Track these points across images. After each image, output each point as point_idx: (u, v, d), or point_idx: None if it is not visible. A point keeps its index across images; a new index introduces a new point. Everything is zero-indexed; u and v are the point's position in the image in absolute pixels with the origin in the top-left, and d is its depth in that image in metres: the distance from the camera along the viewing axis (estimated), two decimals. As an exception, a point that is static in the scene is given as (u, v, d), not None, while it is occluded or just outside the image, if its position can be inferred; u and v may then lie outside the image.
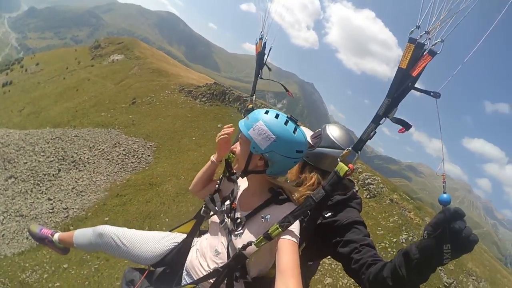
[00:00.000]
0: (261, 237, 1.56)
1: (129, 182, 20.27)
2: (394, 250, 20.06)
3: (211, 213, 1.99)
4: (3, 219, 16.43)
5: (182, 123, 28.45)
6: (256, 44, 2.49)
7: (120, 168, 21.44)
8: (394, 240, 21.04)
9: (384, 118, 1.40)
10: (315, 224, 1.71)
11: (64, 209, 17.64)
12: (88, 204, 18.28)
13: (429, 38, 1.28)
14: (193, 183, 2.26)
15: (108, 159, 22.07)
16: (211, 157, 2.18)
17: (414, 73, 1.31)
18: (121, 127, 26.90)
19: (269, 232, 1.54)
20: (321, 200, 1.53)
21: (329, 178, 1.53)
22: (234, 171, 1.99)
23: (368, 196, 20.77)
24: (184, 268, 1.98)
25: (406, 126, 1.38)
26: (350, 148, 1.50)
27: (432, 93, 1.28)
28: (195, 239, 2.12)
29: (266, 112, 1.71)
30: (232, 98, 32.87)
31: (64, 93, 40.06)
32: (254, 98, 2.51)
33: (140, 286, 2.02)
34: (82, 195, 18.85)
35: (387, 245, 18.72)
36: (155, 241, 2.12)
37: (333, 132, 2.05)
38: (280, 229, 1.52)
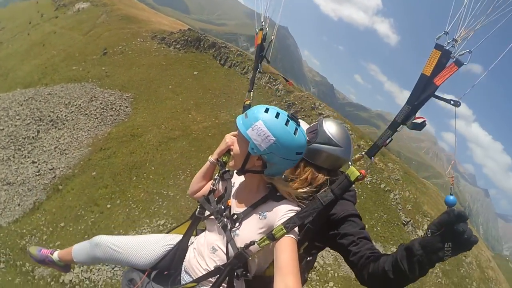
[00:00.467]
0: (265, 238, 1.53)
1: (110, 135, 19.50)
2: (359, 190, 21.24)
3: (207, 213, 1.91)
4: (-11, 190, 15.94)
5: (157, 72, 26.74)
6: (256, 35, 2.30)
7: (100, 122, 20.47)
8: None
9: (401, 126, 1.37)
10: (320, 224, 1.67)
11: (50, 169, 17.04)
12: (73, 161, 17.68)
13: (454, 46, 1.23)
14: (191, 185, 2.19)
15: (86, 114, 20.91)
16: (209, 157, 2.11)
17: (438, 82, 1.26)
18: (94, 80, 24.96)
19: (273, 232, 1.50)
20: (329, 203, 1.49)
21: (339, 181, 1.50)
22: (228, 169, 1.97)
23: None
24: (183, 268, 1.93)
25: (421, 128, 1.35)
26: (363, 153, 1.49)
27: (452, 102, 1.25)
28: (192, 238, 2.06)
29: (266, 111, 1.59)
30: (207, 44, 31.24)
31: (31, 50, 36.63)
32: (252, 94, 2.33)
33: (140, 285, 2.00)
34: (66, 153, 18.13)
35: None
36: (150, 245, 2.06)
37: (330, 128, 1.97)
38: (284, 230, 1.48)
